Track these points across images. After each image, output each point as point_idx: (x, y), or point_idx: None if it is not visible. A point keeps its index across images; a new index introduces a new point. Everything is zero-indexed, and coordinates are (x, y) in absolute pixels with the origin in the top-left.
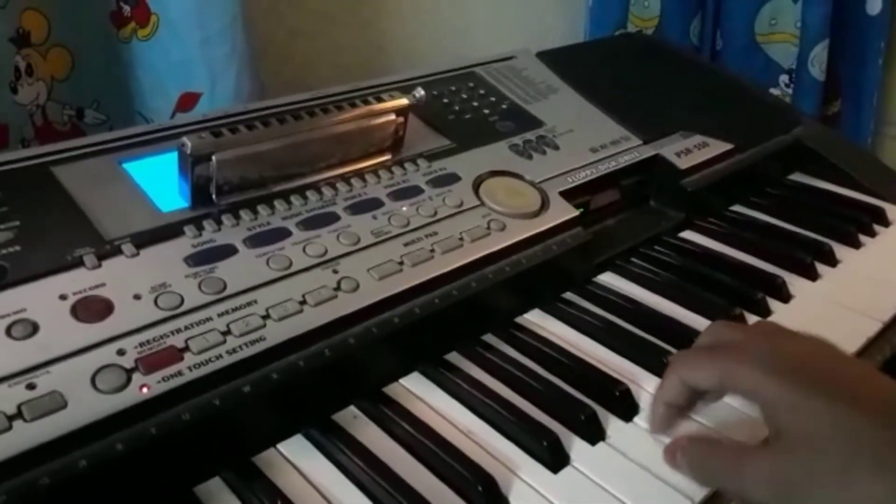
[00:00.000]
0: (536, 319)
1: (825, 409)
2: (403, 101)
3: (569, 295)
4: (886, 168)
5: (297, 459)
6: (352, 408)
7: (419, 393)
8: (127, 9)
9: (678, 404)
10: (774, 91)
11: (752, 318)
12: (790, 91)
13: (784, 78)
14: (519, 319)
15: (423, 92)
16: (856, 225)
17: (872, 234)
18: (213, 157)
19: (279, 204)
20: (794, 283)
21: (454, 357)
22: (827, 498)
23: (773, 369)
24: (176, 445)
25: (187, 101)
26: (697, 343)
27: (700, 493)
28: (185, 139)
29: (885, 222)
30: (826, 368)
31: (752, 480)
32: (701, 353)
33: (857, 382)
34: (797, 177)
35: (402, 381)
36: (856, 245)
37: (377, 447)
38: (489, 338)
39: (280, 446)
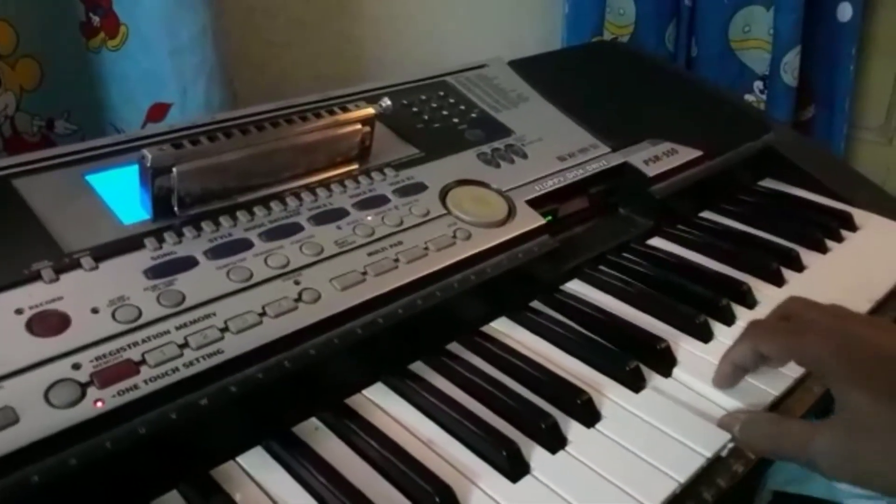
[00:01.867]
0: (502, 328)
1: (888, 389)
2: (369, 111)
3: (535, 303)
4: (855, 173)
5: (257, 472)
6: (313, 419)
7: (382, 403)
8: (96, 19)
9: (745, 366)
10: (749, 97)
11: (716, 326)
12: (764, 97)
13: (758, 84)
14: (485, 328)
15: (389, 101)
16: (823, 230)
17: (840, 239)
18: (174, 169)
19: (242, 215)
20: (761, 289)
21: (418, 367)
22: (892, 473)
23: (840, 350)
24: (132, 460)
25: (158, 111)
26: (772, 313)
27: (658, 498)
28: (145, 151)
29: (853, 227)
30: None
31: (823, 453)
32: (777, 325)
33: None
34: (768, 182)
35: (364, 391)
36: (823, 250)
37: (338, 459)
38: (454, 347)
39: (239, 459)
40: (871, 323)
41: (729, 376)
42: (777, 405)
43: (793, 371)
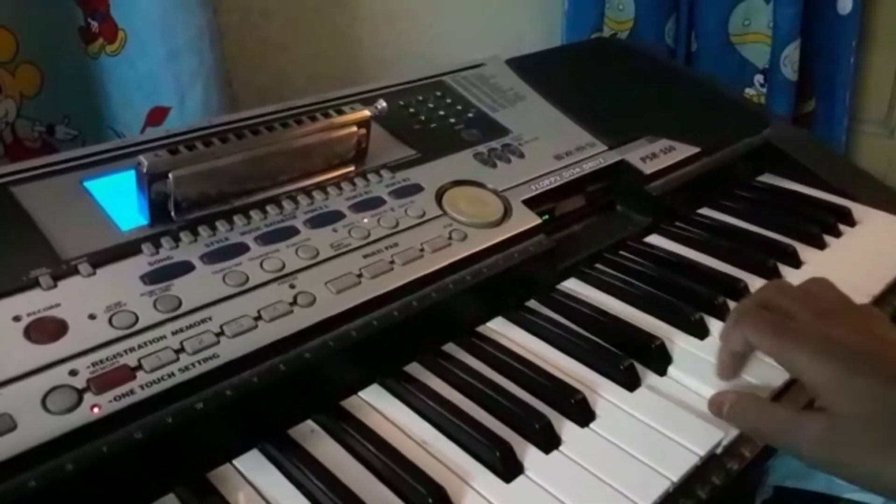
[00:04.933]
0: (498, 328)
1: (869, 391)
2: (364, 113)
3: (532, 303)
4: (855, 167)
5: (252, 475)
6: (309, 422)
7: (377, 405)
8: (95, 24)
9: (742, 353)
10: (750, 91)
11: (713, 323)
12: (765, 91)
13: (759, 78)
14: (481, 328)
15: (384, 103)
16: (821, 226)
17: (838, 234)
18: (170, 175)
19: (238, 219)
20: (758, 286)
21: (414, 368)
22: (868, 468)
23: (821, 353)
24: (128, 464)
25: (157, 115)
26: (751, 299)
27: (652, 497)
28: (141, 157)
29: (851, 222)
30: (875, 349)
31: (804, 442)
32: (763, 321)
33: None
34: (767, 178)
35: (360, 393)
36: (820, 246)
37: (333, 462)
38: (450, 347)
39: (236, 462)
40: (848, 314)
41: (730, 364)
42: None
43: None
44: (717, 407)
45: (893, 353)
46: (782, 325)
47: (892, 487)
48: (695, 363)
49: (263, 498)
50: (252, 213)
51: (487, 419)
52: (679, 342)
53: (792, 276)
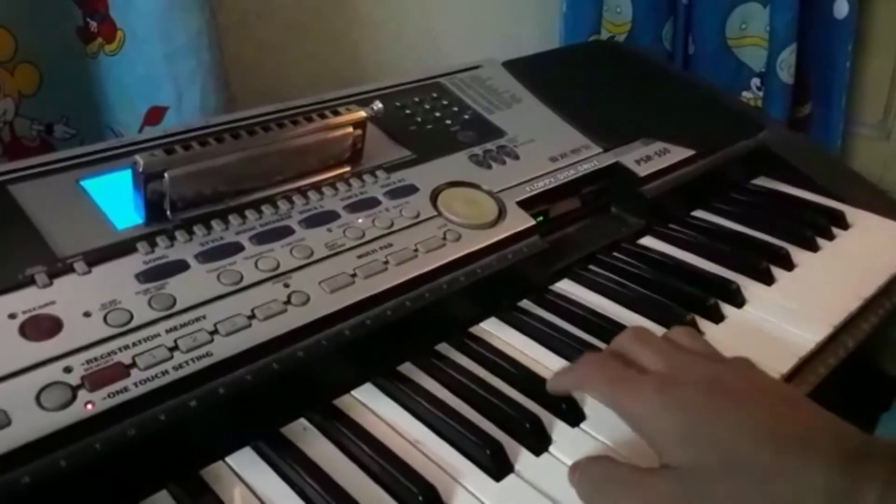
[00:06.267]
0: (492, 328)
1: (713, 440)
2: (360, 114)
3: (525, 303)
4: (849, 170)
5: (245, 473)
6: (302, 420)
7: (370, 404)
8: (93, 24)
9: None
10: (747, 95)
11: (704, 324)
12: (762, 94)
13: (756, 81)
14: (474, 329)
15: (380, 105)
16: (814, 228)
17: (831, 237)
18: (166, 175)
19: (234, 218)
20: (750, 287)
21: (407, 368)
22: None
23: (660, 406)
24: (121, 460)
25: (154, 115)
26: (612, 347)
27: None
28: (137, 157)
29: (845, 225)
30: (726, 398)
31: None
32: (602, 366)
33: (752, 410)
34: (762, 181)
35: (353, 392)
36: (814, 248)
37: (325, 460)
38: (443, 347)
39: (228, 459)
40: (704, 365)
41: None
42: None
43: None
44: (572, 473)
45: (754, 401)
46: (619, 374)
47: None
48: None
49: (256, 495)
50: (247, 212)
51: (479, 419)
52: None
53: (785, 278)
